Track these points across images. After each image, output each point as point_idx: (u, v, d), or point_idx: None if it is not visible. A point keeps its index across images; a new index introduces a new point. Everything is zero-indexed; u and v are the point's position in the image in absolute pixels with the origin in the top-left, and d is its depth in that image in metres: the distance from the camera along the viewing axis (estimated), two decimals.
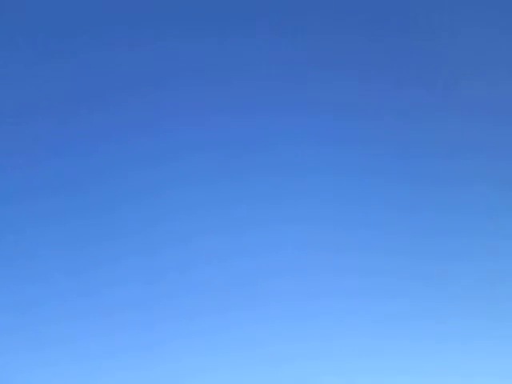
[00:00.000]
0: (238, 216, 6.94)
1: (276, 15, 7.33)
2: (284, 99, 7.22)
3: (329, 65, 7.27)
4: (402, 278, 6.72)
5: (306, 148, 7.12)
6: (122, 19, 7.33)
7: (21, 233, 6.91)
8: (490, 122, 7.12)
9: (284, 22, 7.32)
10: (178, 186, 7.03)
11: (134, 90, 7.25)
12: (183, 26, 7.33)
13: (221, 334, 6.60)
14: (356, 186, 7.01)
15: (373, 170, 7.04)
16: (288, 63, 7.28)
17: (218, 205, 6.99)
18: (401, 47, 7.26)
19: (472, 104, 7.15)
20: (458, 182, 6.97)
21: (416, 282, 6.70)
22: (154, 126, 7.19)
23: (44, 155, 7.14)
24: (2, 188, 7.03)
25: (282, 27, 7.31)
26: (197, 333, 6.63)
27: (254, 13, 7.34)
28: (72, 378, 6.47)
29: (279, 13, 7.33)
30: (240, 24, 7.33)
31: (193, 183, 7.05)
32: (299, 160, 7.09)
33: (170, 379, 6.46)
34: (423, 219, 6.90)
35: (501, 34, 7.21)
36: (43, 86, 7.26)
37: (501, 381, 6.32)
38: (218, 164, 7.08)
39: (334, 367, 6.45)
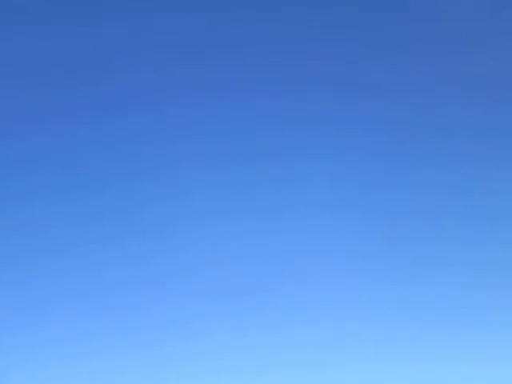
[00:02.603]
0: (241, 223, 6.88)
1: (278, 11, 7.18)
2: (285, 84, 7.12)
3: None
4: (405, 285, 6.72)
5: (308, 157, 7.05)
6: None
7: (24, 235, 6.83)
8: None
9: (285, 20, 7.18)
10: (180, 195, 6.95)
11: (130, 73, 7.15)
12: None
13: (221, 338, 6.58)
14: (357, 193, 6.93)
15: (376, 177, 6.99)
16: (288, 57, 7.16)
17: (221, 212, 6.92)
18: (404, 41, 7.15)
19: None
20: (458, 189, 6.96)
21: (421, 288, 6.71)
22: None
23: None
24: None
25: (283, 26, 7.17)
26: (196, 336, 6.61)
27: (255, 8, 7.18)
28: (68, 377, 6.45)
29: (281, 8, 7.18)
30: (243, 18, 7.18)
31: (196, 191, 6.97)
32: (301, 168, 7.01)
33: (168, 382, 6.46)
34: (426, 226, 6.88)
35: None
36: (41, 65, 7.14)
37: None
38: (219, 174, 6.97)
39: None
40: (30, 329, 6.56)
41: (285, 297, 6.66)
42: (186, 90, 7.07)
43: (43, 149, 7.01)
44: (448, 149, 6.97)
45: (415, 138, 6.99)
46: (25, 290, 6.66)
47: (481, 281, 6.65)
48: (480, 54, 7.11)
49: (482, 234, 6.79)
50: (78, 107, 7.06)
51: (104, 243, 6.78)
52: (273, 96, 7.06)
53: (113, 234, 6.81)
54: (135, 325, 6.60)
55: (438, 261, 6.72)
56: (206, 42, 7.13)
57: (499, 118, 7.01)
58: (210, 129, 7.02)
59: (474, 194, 6.89)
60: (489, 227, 6.80)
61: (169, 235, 6.80)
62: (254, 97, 7.07)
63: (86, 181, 6.94)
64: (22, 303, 6.62)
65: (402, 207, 6.88)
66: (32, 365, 6.47)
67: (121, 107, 7.06)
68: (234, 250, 6.77)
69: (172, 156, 6.98)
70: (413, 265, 6.73)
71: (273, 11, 7.15)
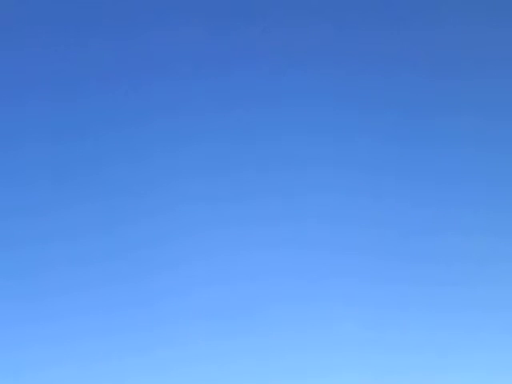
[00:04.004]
0: (240, 235, 6.77)
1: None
2: (285, 90, 7.10)
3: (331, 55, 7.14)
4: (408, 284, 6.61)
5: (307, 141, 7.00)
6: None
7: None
8: None
9: (286, 12, 7.18)
10: (178, 205, 6.83)
11: (131, 79, 7.13)
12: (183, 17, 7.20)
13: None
14: (361, 204, 6.82)
15: (380, 187, 6.88)
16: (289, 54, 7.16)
17: (218, 224, 6.80)
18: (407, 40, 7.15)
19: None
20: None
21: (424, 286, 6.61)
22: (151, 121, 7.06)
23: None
24: None
25: (283, 17, 7.17)
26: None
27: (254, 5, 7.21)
28: None
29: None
30: (241, 15, 7.19)
31: (193, 202, 6.85)
32: (303, 178, 6.91)
33: None
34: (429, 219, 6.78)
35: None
36: (42, 72, 7.12)
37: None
38: (218, 183, 6.89)
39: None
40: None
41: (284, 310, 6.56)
42: (187, 99, 7.07)
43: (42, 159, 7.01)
44: (452, 159, 6.93)
45: (418, 146, 6.96)
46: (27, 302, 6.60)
47: (485, 279, 6.59)
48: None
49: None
50: (76, 118, 7.09)
51: (99, 257, 6.71)
52: (273, 105, 7.06)
53: (109, 246, 6.74)
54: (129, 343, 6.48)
55: (441, 258, 6.64)
56: (205, 51, 7.16)
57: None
58: (210, 137, 7.01)
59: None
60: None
61: (165, 249, 6.70)
62: (255, 105, 7.07)
63: (83, 189, 6.90)
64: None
65: (405, 217, 6.80)
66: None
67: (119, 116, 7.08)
68: (233, 263, 6.68)
69: (172, 165, 6.97)
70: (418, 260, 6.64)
71: (272, 23, 7.19)
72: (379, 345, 6.37)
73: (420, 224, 6.73)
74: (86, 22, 7.15)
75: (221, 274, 6.63)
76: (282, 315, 6.49)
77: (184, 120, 7.00)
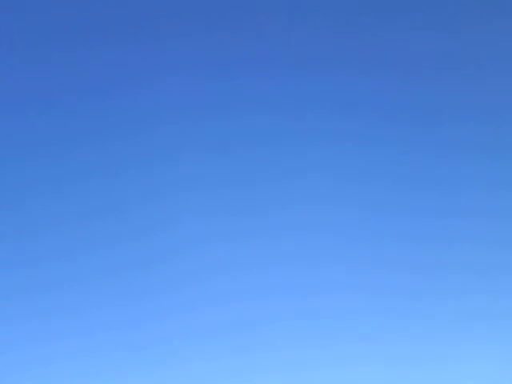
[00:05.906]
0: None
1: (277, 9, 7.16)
2: (286, 97, 7.07)
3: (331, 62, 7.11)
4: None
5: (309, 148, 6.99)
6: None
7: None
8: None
9: (286, 16, 7.15)
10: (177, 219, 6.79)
11: (131, 86, 7.08)
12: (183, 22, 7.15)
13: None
14: (357, 215, 6.78)
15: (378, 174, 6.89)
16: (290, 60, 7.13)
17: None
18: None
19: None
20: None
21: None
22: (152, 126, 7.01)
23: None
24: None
25: (284, 22, 7.14)
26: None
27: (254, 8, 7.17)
28: None
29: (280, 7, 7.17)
30: (240, 18, 7.16)
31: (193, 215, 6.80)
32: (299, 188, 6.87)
33: None
34: (430, 225, 6.76)
35: None
36: (42, 81, 7.08)
37: None
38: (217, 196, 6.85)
39: None
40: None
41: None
42: (185, 104, 7.03)
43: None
44: (451, 152, 6.91)
45: (419, 153, 6.94)
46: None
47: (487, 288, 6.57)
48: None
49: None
50: (73, 125, 7.04)
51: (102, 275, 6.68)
52: (271, 111, 7.03)
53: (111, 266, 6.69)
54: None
55: (444, 264, 6.62)
56: (209, 56, 7.12)
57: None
58: (207, 147, 6.97)
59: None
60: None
61: (164, 267, 6.67)
62: (255, 112, 7.03)
63: (83, 203, 6.86)
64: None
65: (406, 227, 6.79)
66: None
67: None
68: (236, 278, 6.66)
69: (176, 175, 6.93)
70: (419, 271, 6.63)
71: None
72: (383, 359, 6.39)
73: (421, 233, 6.72)
74: (85, 28, 7.14)
75: (222, 291, 6.61)
76: (286, 331, 6.47)
77: (182, 128, 6.98)
